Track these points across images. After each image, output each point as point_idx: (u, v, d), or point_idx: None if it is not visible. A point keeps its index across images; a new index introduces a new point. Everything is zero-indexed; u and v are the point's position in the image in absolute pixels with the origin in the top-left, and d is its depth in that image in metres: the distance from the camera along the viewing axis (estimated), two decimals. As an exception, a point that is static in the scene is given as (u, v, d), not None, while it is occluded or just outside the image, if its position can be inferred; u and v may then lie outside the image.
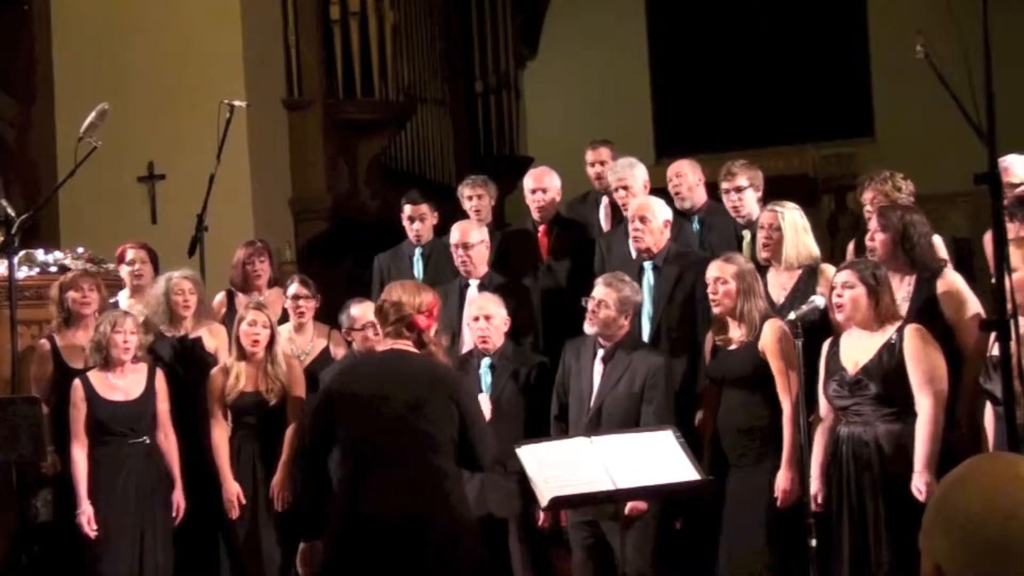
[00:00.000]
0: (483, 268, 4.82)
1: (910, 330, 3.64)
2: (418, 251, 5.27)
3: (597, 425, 4.06)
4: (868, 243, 4.01)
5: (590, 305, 4.14)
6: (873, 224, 4.00)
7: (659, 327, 4.44)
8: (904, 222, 3.92)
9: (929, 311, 3.85)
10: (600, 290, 4.15)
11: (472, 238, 4.80)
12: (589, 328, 4.14)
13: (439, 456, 3.27)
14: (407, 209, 5.28)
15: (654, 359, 4.20)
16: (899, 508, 3.54)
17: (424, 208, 5.27)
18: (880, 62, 10.15)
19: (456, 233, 4.85)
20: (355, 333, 4.57)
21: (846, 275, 3.73)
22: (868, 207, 4.37)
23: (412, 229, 5.25)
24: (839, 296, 3.72)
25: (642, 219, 4.47)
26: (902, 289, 3.91)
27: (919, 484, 3.49)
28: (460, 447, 3.29)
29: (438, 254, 5.23)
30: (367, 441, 3.28)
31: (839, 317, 3.75)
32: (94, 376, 4.48)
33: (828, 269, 4.24)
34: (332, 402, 3.36)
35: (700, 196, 4.99)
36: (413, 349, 3.35)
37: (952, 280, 3.90)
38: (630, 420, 4.06)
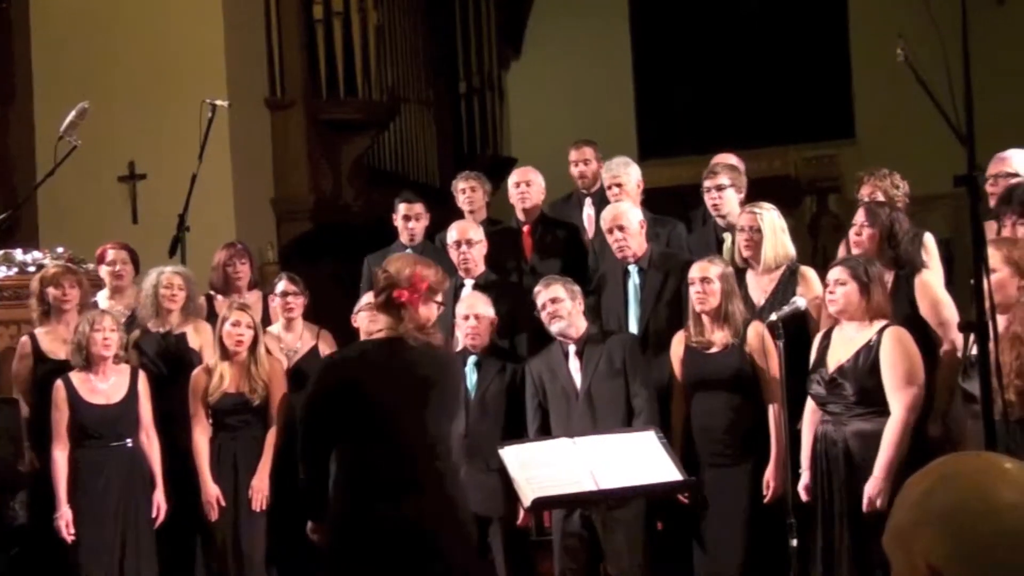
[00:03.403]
0: (481, 267, 4.83)
1: (890, 332, 3.67)
2: (408, 252, 5.26)
3: (589, 409, 4.10)
4: (854, 238, 4.03)
5: (546, 309, 4.16)
6: (859, 219, 4.03)
7: (647, 328, 4.46)
8: (891, 219, 3.97)
9: (907, 308, 3.89)
10: (547, 292, 4.19)
11: (472, 235, 4.82)
12: (557, 327, 4.17)
13: (436, 455, 3.12)
14: (402, 208, 5.26)
15: (625, 336, 4.30)
16: (860, 508, 3.57)
17: (419, 207, 5.27)
18: (861, 65, 10.21)
19: (455, 231, 4.85)
20: (356, 316, 4.61)
21: (838, 272, 3.76)
22: (866, 199, 4.43)
23: (407, 228, 5.23)
24: (831, 292, 3.75)
25: (620, 228, 4.49)
26: None
27: (871, 489, 3.52)
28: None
29: (428, 256, 5.22)
30: (360, 439, 3.13)
31: (831, 310, 3.78)
32: (76, 378, 4.45)
33: (808, 272, 4.27)
34: (321, 399, 3.20)
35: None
36: (402, 334, 3.12)
37: (929, 279, 3.95)
38: (619, 397, 4.11)
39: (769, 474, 3.95)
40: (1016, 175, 4.14)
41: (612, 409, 4.10)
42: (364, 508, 3.08)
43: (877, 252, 3.96)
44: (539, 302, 4.21)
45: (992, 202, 4.16)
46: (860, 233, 4.00)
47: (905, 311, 3.88)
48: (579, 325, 4.20)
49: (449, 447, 3.21)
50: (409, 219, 5.24)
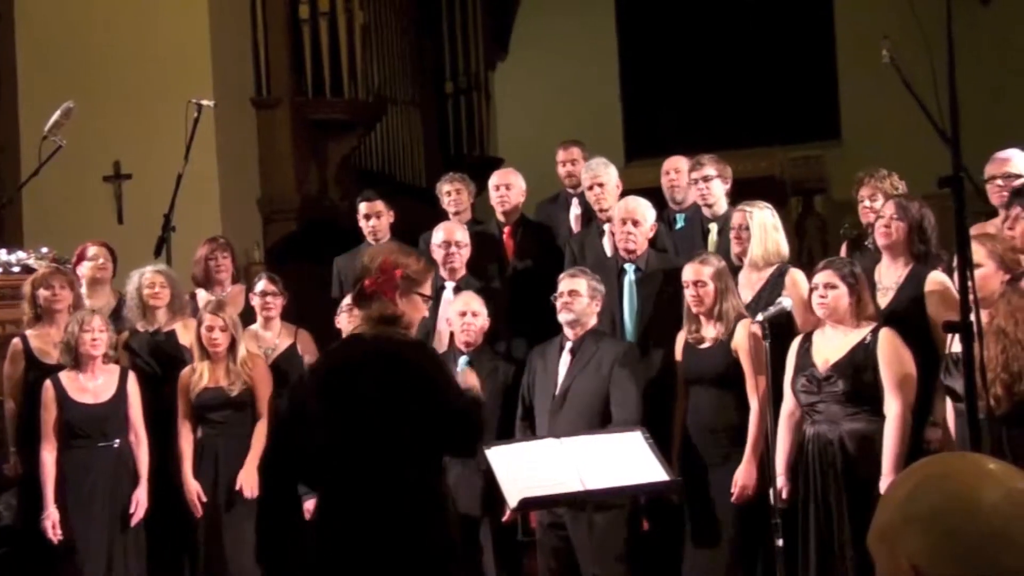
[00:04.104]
0: (464, 270, 4.83)
1: (885, 333, 3.70)
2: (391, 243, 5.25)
3: (561, 407, 4.10)
4: (882, 229, 4.02)
5: (562, 297, 4.17)
6: (888, 212, 4.04)
7: (644, 328, 4.47)
8: (921, 214, 4.01)
9: (913, 302, 3.92)
10: (570, 282, 4.19)
11: (460, 237, 4.84)
12: (564, 316, 4.17)
13: (406, 469, 2.69)
14: (362, 207, 5.30)
15: (623, 345, 4.28)
16: (863, 507, 3.58)
17: (379, 204, 5.29)
18: (846, 65, 10.25)
19: (441, 232, 4.87)
20: (339, 316, 4.63)
21: (827, 275, 3.77)
22: (866, 202, 4.46)
23: (368, 227, 5.27)
24: (823, 296, 3.76)
25: (635, 222, 4.49)
26: (893, 275, 3.98)
27: (885, 487, 3.52)
28: (439, 437, 2.75)
29: None
30: (328, 456, 2.75)
31: (820, 314, 3.79)
32: (65, 377, 4.47)
33: (796, 273, 4.29)
34: (294, 414, 2.89)
35: (692, 195, 5.03)
36: (365, 330, 2.78)
37: (943, 278, 3.96)
38: (597, 401, 4.10)
39: (738, 473, 3.95)
40: (1020, 176, 4.14)
41: (585, 411, 4.09)
42: (326, 534, 2.75)
43: (905, 243, 3.99)
44: (559, 288, 4.21)
45: (994, 200, 4.18)
46: (889, 225, 4.01)
47: (908, 306, 3.90)
48: (587, 323, 4.20)
49: (412, 455, 2.70)
50: (370, 217, 5.27)
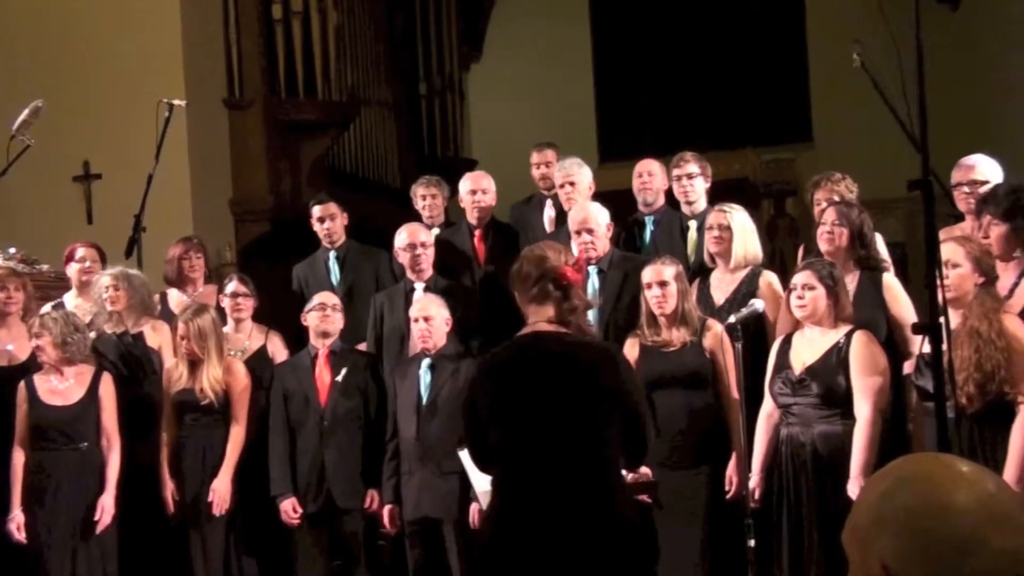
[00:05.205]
0: (431, 270, 4.84)
1: (858, 335, 3.71)
2: (332, 255, 5.27)
3: None
4: (826, 236, 4.06)
5: None
6: (829, 218, 4.07)
7: (606, 328, 4.48)
8: (860, 219, 4.03)
9: (872, 308, 3.94)
10: None
11: (424, 238, 4.83)
12: None
13: (593, 468, 2.67)
14: (316, 210, 5.30)
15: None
16: (833, 508, 3.59)
17: (333, 207, 5.29)
18: (818, 69, 10.34)
19: (405, 234, 4.87)
20: (306, 315, 4.65)
21: (806, 276, 3.79)
22: (823, 204, 4.46)
23: (323, 229, 5.27)
24: (800, 297, 3.78)
25: (589, 231, 4.49)
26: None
27: (854, 490, 3.55)
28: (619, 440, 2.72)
29: (353, 256, 5.25)
30: (509, 454, 2.75)
31: (799, 315, 3.81)
32: (39, 379, 4.46)
33: (769, 275, 4.31)
34: (476, 407, 2.84)
35: (662, 198, 5.05)
36: (554, 329, 2.76)
37: (895, 281, 4.00)
38: None
39: (731, 470, 3.97)
40: (987, 182, 4.16)
41: None
42: (504, 531, 2.74)
43: (847, 251, 4.01)
44: None
45: (962, 207, 4.21)
46: (832, 231, 4.03)
47: (870, 311, 3.93)
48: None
49: (604, 456, 2.69)
50: (324, 220, 5.27)
